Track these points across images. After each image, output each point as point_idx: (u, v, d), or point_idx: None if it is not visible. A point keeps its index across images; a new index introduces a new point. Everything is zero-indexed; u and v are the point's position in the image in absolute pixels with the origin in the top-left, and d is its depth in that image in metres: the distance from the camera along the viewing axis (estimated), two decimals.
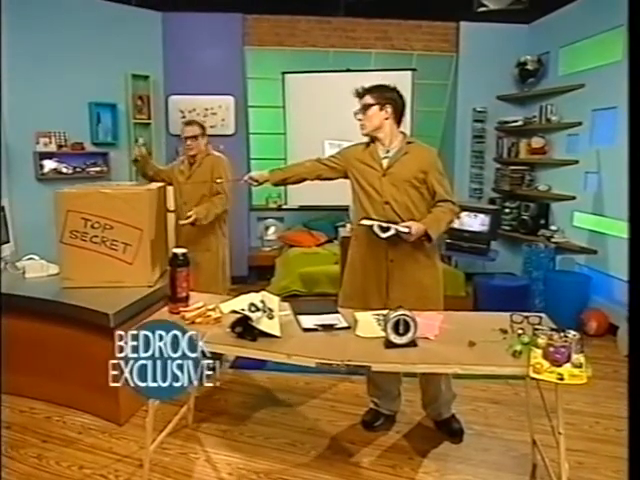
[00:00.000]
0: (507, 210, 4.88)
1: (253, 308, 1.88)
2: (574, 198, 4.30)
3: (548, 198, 4.61)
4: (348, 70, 4.63)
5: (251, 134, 5.13)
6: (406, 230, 2.13)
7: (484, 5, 4.43)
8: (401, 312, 1.83)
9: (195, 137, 3.05)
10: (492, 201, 5.10)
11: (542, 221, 4.60)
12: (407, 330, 1.81)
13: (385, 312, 2.07)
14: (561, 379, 1.60)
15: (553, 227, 4.49)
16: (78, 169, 4.40)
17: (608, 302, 3.90)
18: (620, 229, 3.81)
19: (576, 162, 4.26)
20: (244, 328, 1.87)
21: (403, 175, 2.26)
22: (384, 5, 4.63)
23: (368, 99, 2.28)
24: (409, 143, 2.33)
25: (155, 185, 2.96)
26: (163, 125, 4.95)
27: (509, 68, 4.83)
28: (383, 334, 1.91)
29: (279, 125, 4.85)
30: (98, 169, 4.51)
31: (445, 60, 5.04)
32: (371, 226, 2.17)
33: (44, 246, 2.94)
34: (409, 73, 4.52)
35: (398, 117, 2.31)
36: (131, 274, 2.71)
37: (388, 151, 2.31)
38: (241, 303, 1.92)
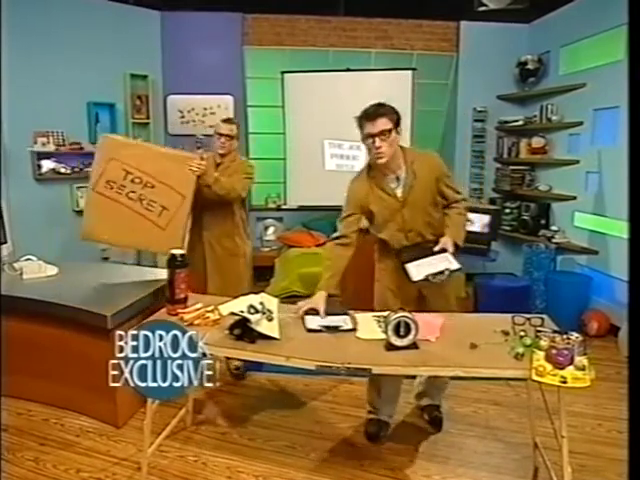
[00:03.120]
0: (507, 210, 4.86)
1: (252, 310, 1.87)
2: (575, 198, 4.28)
3: (549, 198, 4.58)
4: (348, 70, 4.60)
5: (250, 134, 5.10)
6: (457, 266, 2.05)
7: (484, 5, 4.41)
8: (402, 314, 1.80)
9: (231, 137, 2.85)
10: (492, 201, 5.08)
11: (543, 221, 4.57)
12: (408, 332, 1.79)
13: (386, 314, 2.06)
14: (564, 382, 1.57)
15: (554, 227, 4.46)
16: (77, 169, 4.37)
17: (609, 303, 3.88)
18: (621, 229, 3.78)
19: (577, 162, 4.24)
20: (243, 330, 1.85)
21: (421, 198, 2.16)
22: (384, 4, 4.61)
23: (386, 123, 2.05)
24: (412, 163, 2.16)
25: (208, 154, 2.83)
26: (162, 125, 4.93)
27: (509, 67, 4.81)
28: (384, 336, 1.89)
29: (278, 125, 4.83)
30: None
31: (445, 60, 5.01)
32: (426, 279, 2.02)
33: (42, 246, 2.92)
34: (409, 73, 4.49)
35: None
36: (161, 240, 2.52)
37: (398, 178, 2.16)
38: (240, 305, 1.90)
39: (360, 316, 2.10)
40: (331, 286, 2.15)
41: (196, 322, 2.00)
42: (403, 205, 2.16)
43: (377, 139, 2.05)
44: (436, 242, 2.13)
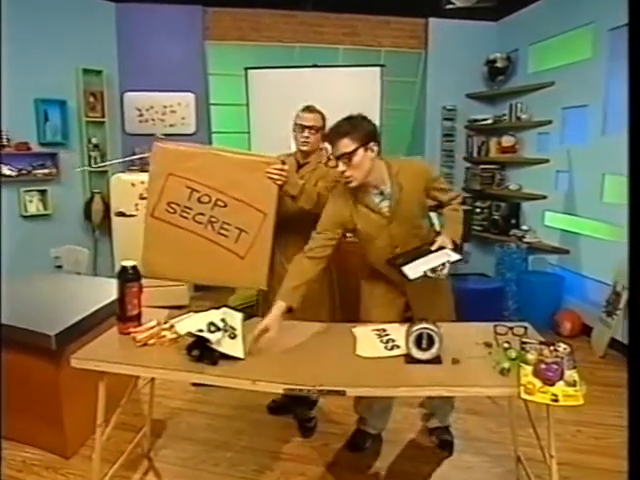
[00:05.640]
0: (478, 210, 4.81)
1: (212, 328, 1.67)
2: (545, 197, 4.25)
3: (519, 197, 4.55)
4: (315, 66, 4.44)
5: (213, 133, 4.87)
6: (458, 257, 1.90)
7: (451, 2, 4.33)
8: (424, 325, 1.65)
9: (315, 130, 2.27)
10: (462, 201, 5.00)
11: (513, 221, 4.54)
12: (431, 345, 1.64)
13: (386, 327, 1.92)
14: (555, 400, 1.45)
15: (524, 227, 4.43)
16: (24, 171, 4.07)
17: (581, 302, 3.85)
18: (592, 228, 3.76)
19: (547, 161, 4.21)
20: (202, 351, 1.65)
21: (409, 210, 1.97)
22: (351, 0, 4.47)
23: (348, 144, 1.81)
24: (397, 174, 1.94)
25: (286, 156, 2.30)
26: (118, 124, 4.64)
27: (478, 66, 4.76)
28: (387, 353, 1.74)
29: (243, 123, 4.62)
30: (47, 171, 4.19)
31: (414, 57, 4.92)
32: (424, 275, 1.82)
33: None
34: (378, 69, 4.37)
35: (380, 148, 1.92)
36: (241, 272, 2.03)
37: (382, 192, 1.95)
38: (199, 322, 1.70)
39: (359, 330, 1.93)
40: (295, 299, 1.85)
41: (150, 342, 1.79)
42: (390, 221, 1.96)
43: (340, 163, 1.84)
44: (431, 243, 1.97)
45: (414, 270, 1.82)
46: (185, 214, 2.02)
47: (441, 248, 1.93)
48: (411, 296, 2.10)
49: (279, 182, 2.03)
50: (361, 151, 1.83)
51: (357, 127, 1.84)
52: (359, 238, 2.05)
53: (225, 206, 2.01)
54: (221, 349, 1.66)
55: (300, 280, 1.88)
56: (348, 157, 1.82)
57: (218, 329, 1.68)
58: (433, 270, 1.82)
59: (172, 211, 2.02)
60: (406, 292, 2.10)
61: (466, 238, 4.17)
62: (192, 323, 1.72)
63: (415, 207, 1.99)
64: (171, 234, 2.04)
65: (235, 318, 1.83)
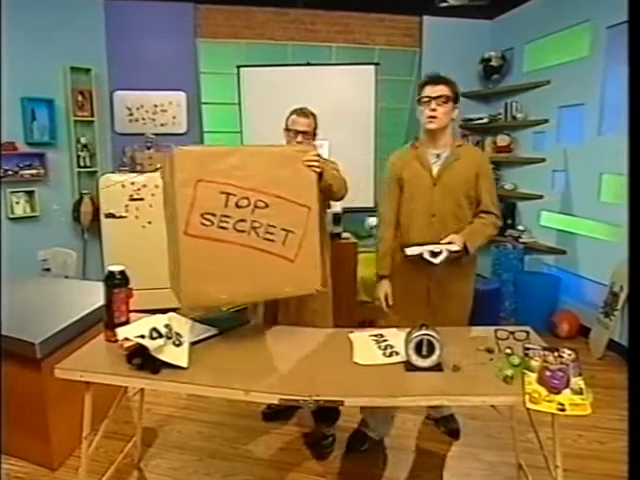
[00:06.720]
0: None
1: (155, 334, 1.58)
2: (541, 197, 4.21)
3: (515, 197, 4.50)
4: (308, 64, 4.37)
5: (205, 133, 4.79)
6: (457, 248, 2.01)
7: (445, 0, 4.28)
8: (424, 331, 1.59)
9: (309, 135, 2.28)
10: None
11: (509, 221, 4.49)
12: (431, 352, 1.58)
13: (384, 332, 1.89)
14: (562, 410, 1.40)
15: (520, 227, 4.39)
16: (10, 172, 3.96)
17: (578, 303, 3.81)
18: (589, 228, 3.73)
19: (543, 160, 4.17)
20: (144, 358, 1.56)
21: (455, 183, 2.09)
22: None
23: (447, 90, 2.05)
24: (459, 146, 2.14)
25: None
26: (108, 123, 4.54)
27: (473, 64, 4.71)
28: (386, 360, 1.68)
29: (235, 123, 4.54)
30: (34, 171, 4.09)
31: (408, 55, 4.86)
32: (420, 255, 1.98)
33: None
34: (372, 68, 4.30)
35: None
36: (293, 277, 1.82)
37: (438, 155, 2.11)
38: (141, 328, 1.60)
39: (355, 336, 1.87)
40: (386, 266, 2.23)
41: None
42: (435, 183, 2.10)
43: (434, 102, 2.03)
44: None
45: (414, 249, 2.00)
46: (224, 224, 1.72)
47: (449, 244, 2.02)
48: (434, 282, 2.17)
49: (318, 170, 1.87)
50: (451, 104, 2.06)
51: (454, 85, 2.09)
52: (403, 199, 2.18)
53: (266, 206, 1.76)
54: (162, 357, 1.56)
55: (389, 249, 2.23)
56: (445, 100, 2.03)
57: (160, 335, 1.58)
58: (432, 254, 1.97)
59: (209, 223, 1.71)
60: (430, 277, 2.15)
61: None
62: (134, 329, 1.61)
63: (463, 183, 2.10)
64: (212, 251, 1.72)
65: (182, 324, 1.72)
